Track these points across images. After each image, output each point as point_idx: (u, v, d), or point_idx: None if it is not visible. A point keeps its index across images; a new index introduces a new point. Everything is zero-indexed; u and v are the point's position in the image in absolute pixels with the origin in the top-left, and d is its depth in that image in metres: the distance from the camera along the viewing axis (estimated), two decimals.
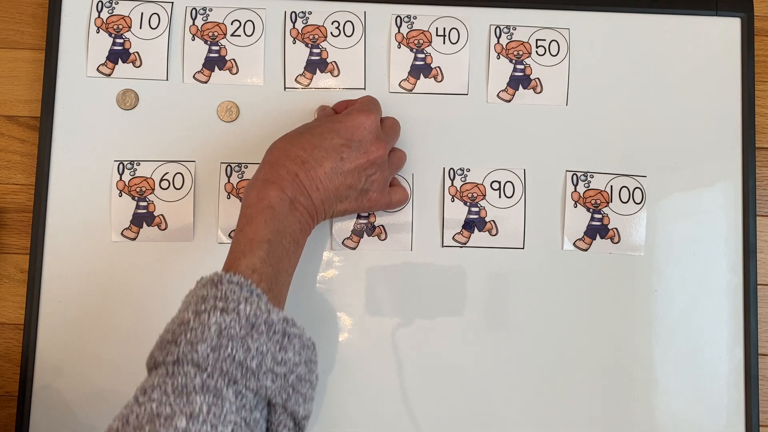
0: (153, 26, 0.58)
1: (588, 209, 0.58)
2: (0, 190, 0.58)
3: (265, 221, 0.44)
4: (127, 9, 0.58)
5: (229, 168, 0.57)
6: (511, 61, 0.59)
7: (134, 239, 0.56)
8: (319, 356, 0.56)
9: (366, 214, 0.57)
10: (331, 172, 0.48)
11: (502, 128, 0.58)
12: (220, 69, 0.58)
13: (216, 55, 0.58)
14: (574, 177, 0.58)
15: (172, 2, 0.58)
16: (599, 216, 0.58)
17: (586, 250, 0.58)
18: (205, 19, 0.58)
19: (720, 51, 0.59)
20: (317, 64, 0.58)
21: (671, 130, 0.59)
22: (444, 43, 0.59)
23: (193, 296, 0.42)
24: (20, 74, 0.59)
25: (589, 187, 0.58)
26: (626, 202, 0.58)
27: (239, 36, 0.58)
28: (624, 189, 0.58)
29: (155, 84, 0.58)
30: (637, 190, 0.58)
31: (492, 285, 0.57)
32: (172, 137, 0.57)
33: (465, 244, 0.57)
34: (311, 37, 0.58)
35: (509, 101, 0.59)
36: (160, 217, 0.56)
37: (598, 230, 0.58)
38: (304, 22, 0.58)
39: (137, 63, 0.57)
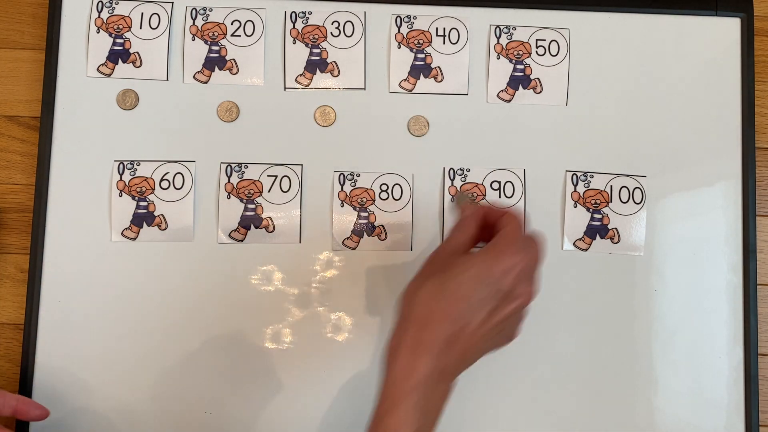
0: (153, 26, 0.58)
1: (588, 209, 0.58)
2: (0, 190, 0.58)
3: (413, 406, 0.39)
4: (127, 9, 0.58)
5: (229, 168, 0.57)
6: (511, 61, 0.59)
7: (134, 239, 0.56)
8: (319, 356, 0.56)
9: (366, 214, 0.57)
10: (483, 326, 0.42)
11: (502, 128, 0.58)
12: (220, 69, 0.58)
13: (216, 55, 0.58)
14: (574, 177, 0.58)
15: (172, 2, 0.58)
16: (599, 216, 0.58)
17: (586, 250, 0.58)
18: (205, 19, 0.58)
19: (720, 51, 0.59)
20: (317, 64, 0.58)
21: (671, 130, 0.59)
22: (444, 43, 0.59)
23: None
24: (20, 74, 0.59)
25: (589, 187, 0.58)
26: (626, 202, 0.58)
27: (239, 36, 0.58)
28: (624, 189, 0.58)
29: (155, 84, 0.58)
30: (637, 190, 0.58)
31: None
32: (172, 137, 0.57)
33: None
34: (311, 37, 0.58)
35: (509, 101, 0.59)
36: (160, 217, 0.56)
37: (598, 230, 0.58)
38: (304, 22, 0.58)
39: (137, 63, 0.57)
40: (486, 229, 0.47)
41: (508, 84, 0.59)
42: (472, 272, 0.42)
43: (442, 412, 0.42)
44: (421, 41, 0.59)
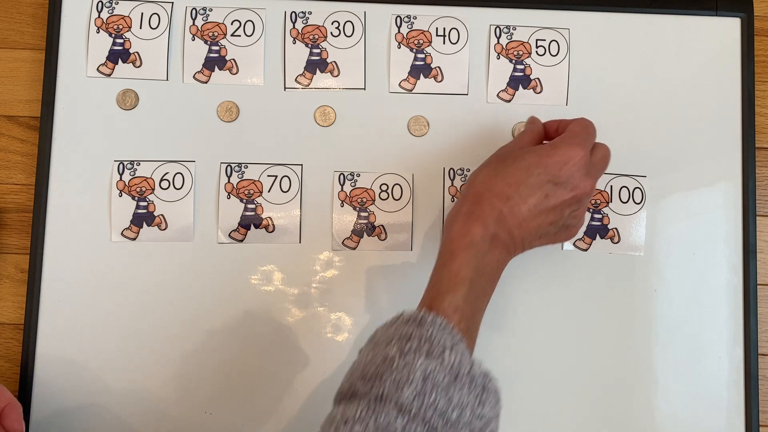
0: (153, 26, 0.58)
1: (588, 209, 0.58)
2: (0, 190, 0.58)
3: (467, 258, 0.44)
4: (127, 9, 0.58)
5: (229, 168, 0.57)
6: (511, 61, 0.59)
7: (134, 239, 0.56)
8: (319, 357, 0.56)
9: (366, 214, 0.57)
10: (534, 210, 0.46)
11: (502, 128, 0.58)
12: (220, 69, 0.58)
13: (216, 55, 0.58)
14: None
15: (172, 2, 0.58)
16: (599, 216, 0.58)
17: (586, 250, 0.58)
18: (205, 19, 0.58)
19: (720, 51, 0.59)
20: (317, 64, 0.58)
21: (671, 130, 0.59)
22: (444, 43, 0.59)
23: (395, 332, 0.42)
24: (20, 74, 0.59)
25: None
26: (626, 202, 0.58)
27: (239, 36, 0.58)
28: (624, 189, 0.58)
29: (155, 84, 0.58)
30: (637, 190, 0.58)
31: None
32: (172, 137, 0.57)
33: None
34: (311, 37, 0.58)
35: (509, 101, 0.59)
36: (160, 217, 0.56)
37: (598, 230, 0.58)
38: (304, 22, 0.58)
39: (137, 63, 0.57)
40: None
41: (508, 84, 0.59)
42: (528, 161, 0.46)
43: (496, 281, 0.47)
44: (421, 41, 0.59)
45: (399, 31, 0.59)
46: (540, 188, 0.46)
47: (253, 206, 0.57)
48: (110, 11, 0.58)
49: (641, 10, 0.59)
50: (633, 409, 0.57)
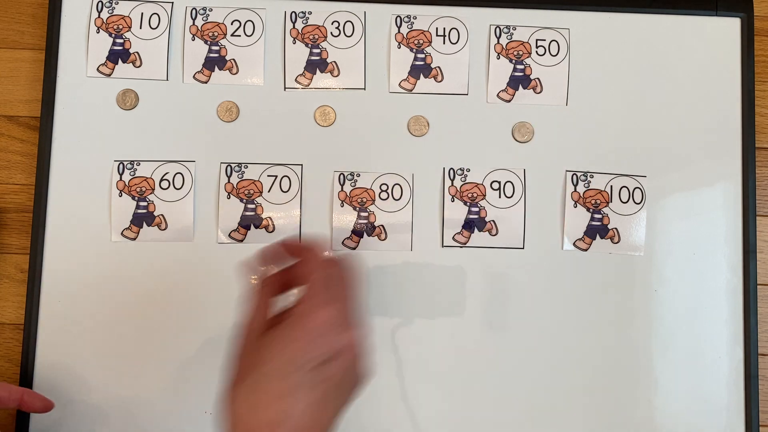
0: (153, 26, 0.58)
1: (588, 209, 0.58)
2: (0, 190, 0.58)
3: None
4: (127, 9, 0.58)
5: (229, 168, 0.57)
6: (511, 61, 0.59)
7: (134, 239, 0.56)
8: None
9: (366, 214, 0.57)
10: (313, 407, 0.37)
11: (502, 128, 0.58)
12: (220, 69, 0.58)
13: (216, 55, 0.58)
14: (574, 177, 0.58)
15: (172, 2, 0.58)
16: (599, 216, 0.58)
17: (586, 250, 0.58)
18: (205, 19, 0.58)
19: (720, 51, 0.59)
20: (317, 64, 0.58)
21: (671, 130, 0.59)
22: (444, 43, 0.59)
23: None
24: (20, 74, 0.59)
25: (589, 187, 0.58)
26: (626, 202, 0.58)
27: (239, 36, 0.58)
28: (624, 189, 0.58)
29: (155, 84, 0.58)
30: (637, 190, 0.58)
31: (492, 285, 0.57)
32: (172, 137, 0.57)
33: (465, 244, 0.57)
34: (311, 37, 0.58)
35: (509, 101, 0.59)
36: (160, 217, 0.56)
37: (598, 230, 0.58)
38: (304, 22, 0.58)
39: (137, 63, 0.57)
40: (298, 262, 0.44)
41: (508, 84, 0.59)
42: (277, 361, 0.38)
43: None
44: (421, 41, 0.59)
45: (399, 31, 0.59)
46: (306, 384, 0.37)
47: (253, 206, 0.57)
48: (110, 11, 0.58)
49: (641, 10, 0.59)
50: (633, 409, 0.57)
